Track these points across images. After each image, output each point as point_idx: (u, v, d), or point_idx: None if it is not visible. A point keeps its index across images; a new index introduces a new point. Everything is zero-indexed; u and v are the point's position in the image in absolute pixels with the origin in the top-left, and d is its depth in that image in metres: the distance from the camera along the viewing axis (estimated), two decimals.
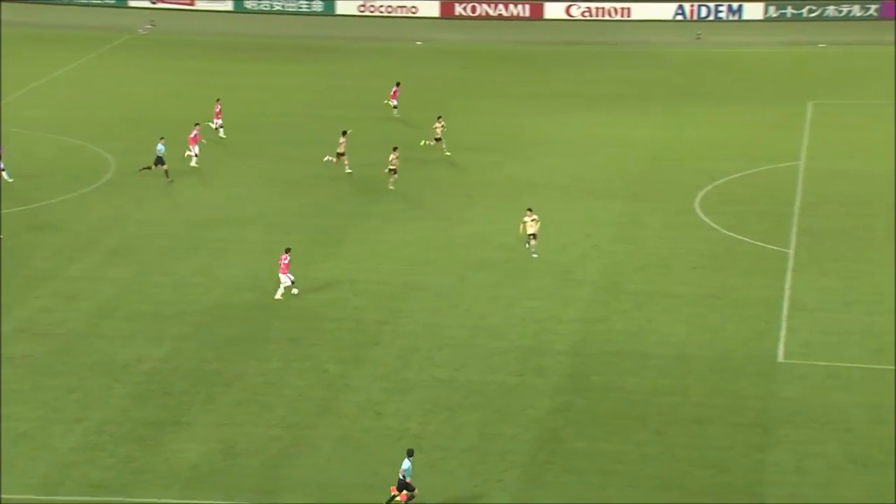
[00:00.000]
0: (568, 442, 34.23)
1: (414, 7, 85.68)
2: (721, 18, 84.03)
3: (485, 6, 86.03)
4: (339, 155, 54.13)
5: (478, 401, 36.27)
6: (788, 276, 44.16)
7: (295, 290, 42.75)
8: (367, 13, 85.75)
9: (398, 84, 62.77)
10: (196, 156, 54.82)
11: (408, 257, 45.91)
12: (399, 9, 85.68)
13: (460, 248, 46.57)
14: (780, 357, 38.59)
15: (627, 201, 51.60)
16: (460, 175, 54.69)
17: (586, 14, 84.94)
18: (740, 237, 47.55)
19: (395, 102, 62.20)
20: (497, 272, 44.82)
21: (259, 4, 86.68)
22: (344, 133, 54.01)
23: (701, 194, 52.05)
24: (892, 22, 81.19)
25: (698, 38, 79.21)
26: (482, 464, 33.26)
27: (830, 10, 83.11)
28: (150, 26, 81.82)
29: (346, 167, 54.07)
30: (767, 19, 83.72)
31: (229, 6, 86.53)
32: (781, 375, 37.53)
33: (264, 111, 63.99)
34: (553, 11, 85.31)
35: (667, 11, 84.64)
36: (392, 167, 52.09)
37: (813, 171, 54.48)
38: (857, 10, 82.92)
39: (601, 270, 44.94)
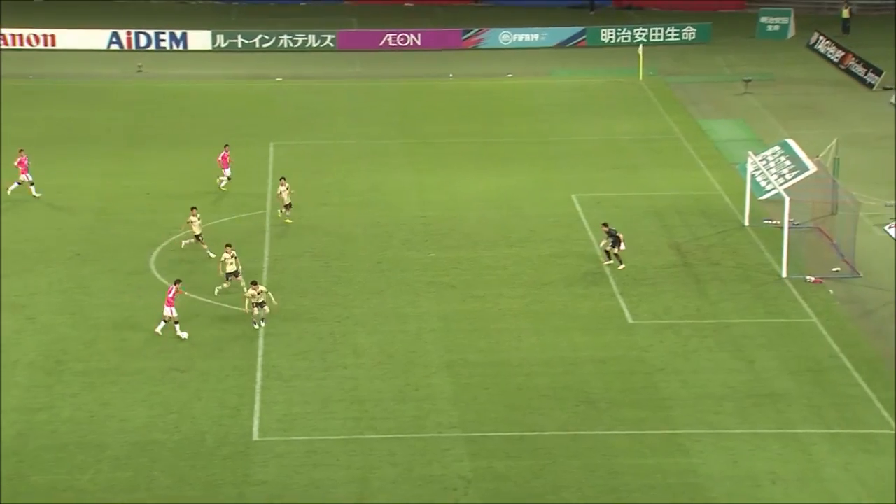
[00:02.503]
0: None
1: None
2: (164, 48, 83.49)
3: None
4: (197, 237, 49.54)
5: None
6: (261, 342, 43.87)
7: (183, 335, 42.19)
8: None
9: (227, 146, 57.91)
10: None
11: None
12: None
13: None
14: (256, 435, 38.25)
15: (70, 264, 49.59)
16: None
17: (2, 43, 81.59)
18: (205, 300, 46.81)
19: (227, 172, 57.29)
20: None
21: None
22: (193, 209, 49.90)
23: (157, 251, 51.09)
24: (350, 53, 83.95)
25: (139, 71, 78.22)
26: None
27: (285, 40, 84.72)
28: None
29: (207, 250, 49.55)
30: (217, 49, 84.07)
31: None
32: (258, 456, 37.22)
33: None
34: None
35: (100, 40, 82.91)
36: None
37: (281, 221, 54.66)
38: (313, 41, 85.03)
39: (41, 348, 42.85)
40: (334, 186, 58.99)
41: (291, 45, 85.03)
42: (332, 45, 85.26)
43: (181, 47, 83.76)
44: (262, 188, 58.46)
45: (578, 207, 56.28)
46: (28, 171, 56.11)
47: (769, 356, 43.25)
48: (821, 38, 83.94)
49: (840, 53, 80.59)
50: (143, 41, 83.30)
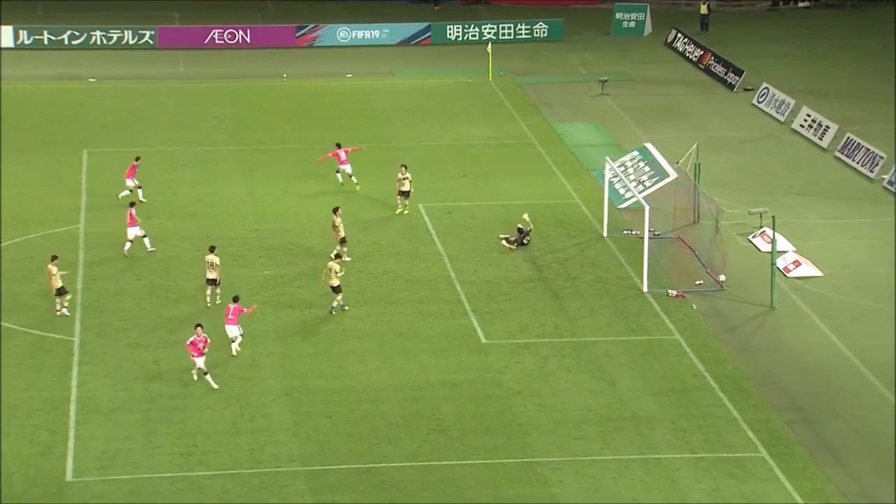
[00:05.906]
0: None
1: None
2: None
3: None
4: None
5: None
6: (75, 372, 43.23)
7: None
8: None
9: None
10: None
11: None
12: None
13: None
14: (70, 475, 37.64)
15: None
16: None
17: None
18: (11, 326, 46.01)
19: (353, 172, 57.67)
20: None
21: None
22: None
23: None
24: (172, 51, 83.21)
25: None
26: None
27: (98, 37, 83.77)
28: None
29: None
30: (20, 47, 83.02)
31: None
32: (73, 498, 36.63)
33: None
34: None
35: None
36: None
37: (97, 236, 53.98)
38: (130, 37, 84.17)
39: None
40: (157, 198, 58.28)
41: (105, 42, 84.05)
42: (151, 41, 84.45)
43: None
44: (75, 200, 57.59)
45: (426, 218, 56.41)
46: (134, 177, 57.00)
47: (631, 376, 43.75)
48: (679, 35, 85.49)
49: (699, 52, 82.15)
50: None
